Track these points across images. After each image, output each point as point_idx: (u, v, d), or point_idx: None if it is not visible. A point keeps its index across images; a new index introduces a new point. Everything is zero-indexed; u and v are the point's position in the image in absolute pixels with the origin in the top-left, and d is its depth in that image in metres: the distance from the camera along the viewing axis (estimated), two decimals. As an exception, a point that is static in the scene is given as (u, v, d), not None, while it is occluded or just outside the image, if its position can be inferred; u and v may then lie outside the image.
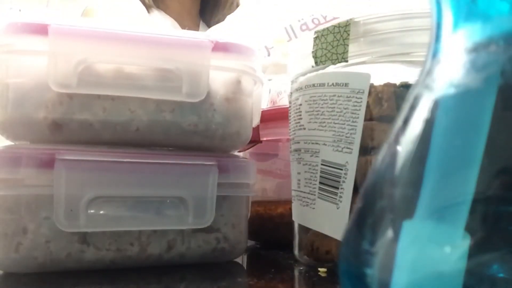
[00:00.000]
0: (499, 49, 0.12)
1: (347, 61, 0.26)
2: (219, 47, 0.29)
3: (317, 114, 0.28)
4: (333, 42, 0.27)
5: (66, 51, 0.27)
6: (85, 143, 0.28)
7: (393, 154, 0.14)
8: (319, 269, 0.27)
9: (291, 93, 0.31)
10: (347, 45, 0.26)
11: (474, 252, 0.11)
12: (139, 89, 0.28)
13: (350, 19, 0.26)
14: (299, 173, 0.29)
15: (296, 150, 0.30)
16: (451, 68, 0.14)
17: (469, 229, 0.11)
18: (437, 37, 0.15)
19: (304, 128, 0.29)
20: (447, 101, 0.13)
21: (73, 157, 0.27)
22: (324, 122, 0.27)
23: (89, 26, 0.27)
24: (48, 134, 0.27)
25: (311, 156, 0.28)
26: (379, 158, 0.15)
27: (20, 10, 1.85)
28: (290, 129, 0.31)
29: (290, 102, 0.31)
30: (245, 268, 0.32)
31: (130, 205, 0.28)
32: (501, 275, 0.11)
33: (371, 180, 0.15)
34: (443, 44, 0.14)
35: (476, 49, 0.13)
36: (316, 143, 0.27)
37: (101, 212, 0.27)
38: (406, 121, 0.14)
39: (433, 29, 0.15)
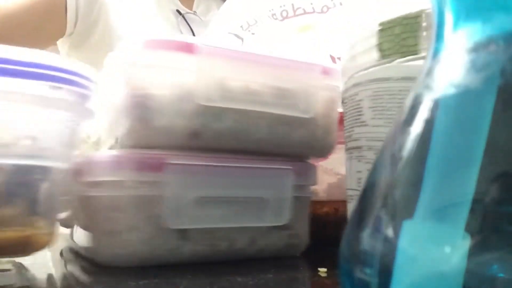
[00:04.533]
0: (499, 49, 0.12)
1: (418, 54, 0.25)
2: (325, 71, 0.33)
3: (382, 110, 0.26)
4: (402, 34, 0.26)
5: (211, 69, 0.30)
6: (214, 150, 0.31)
7: (393, 154, 0.14)
8: (319, 269, 0.27)
9: (346, 89, 0.30)
10: (419, 37, 0.25)
11: (474, 252, 0.11)
12: (263, 105, 0.32)
13: (421, 10, 0.25)
14: (359, 172, 0.28)
15: (355, 148, 0.28)
16: (451, 68, 0.14)
17: (469, 229, 0.11)
18: (438, 37, 0.15)
19: (367, 125, 0.27)
20: (447, 101, 0.13)
21: (180, 162, 0.29)
22: (391, 119, 0.26)
23: (227, 47, 0.31)
24: (186, 142, 0.30)
25: (376, 154, 0.27)
26: (379, 158, 0.15)
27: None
28: (345, 126, 0.30)
29: (344, 99, 0.30)
30: (245, 268, 0.32)
31: (223, 204, 0.31)
32: (501, 275, 0.11)
33: (371, 179, 0.15)
34: (444, 44, 0.14)
35: (476, 49, 0.13)
36: (381, 140, 0.26)
37: (201, 210, 0.30)
38: (406, 121, 0.14)
39: (434, 29, 0.15)
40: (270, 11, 0.56)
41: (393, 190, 0.14)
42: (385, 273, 0.13)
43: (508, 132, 0.12)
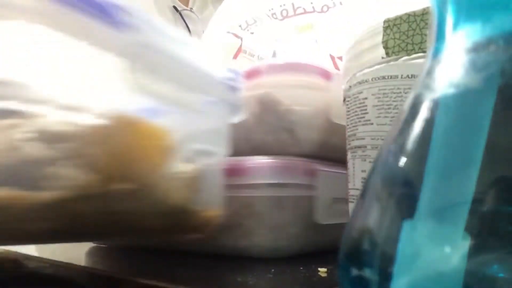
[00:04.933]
0: (499, 49, 0.12)
1: (425, 52, 0.25)
2: None
3: (388, 109, 0.26)
4: (407, 32, 0.25)
5: (340, 93, 0.35)
6: (329, 159, 0.37)
7: (393, 154, 0.14)
8: (319, 269, 0.27)
9: (350, 87, 0.30)
10: (425, 35, 0.25)
11: (474, 252, 0.11)
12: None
13: (427, 7, 0.25)
14: (363, 171, 0.28)
15: (359, 147, 0.29)
16: (451, 68, 0.14)
17: (469, 229, 0.11)
18: (438, 37, 0.15)
19: (372, 123, 0.27)
20: (447, 101, 0.13)
21: (326, 169, 0.36)
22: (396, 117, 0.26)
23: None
24: (315, 151, 0.36)
25: None
26: (379, 157, 0.15)
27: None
28: (348, 125, 0.30)
29: (347, 97, 0.30)
30: (245, 268, 0.32)
31: (338, 204, 0.36)
32: (501, 275, 0.11)
33: (371, 179, 0.15)
34: (444, 44, 0.14)
35: (476, 49, 0.13)
36: None
37: (333, 209, 0.36)
38: (406, 121, 0.14)
39: (434, 29, 0.15)
40: (270, 10, 0.56)
41: (393, 190, 0.14)
42: (385, 273, 0.13)
43: (508, 132, 0.12)
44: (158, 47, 0.24)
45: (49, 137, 0.20)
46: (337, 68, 0.50)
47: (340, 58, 0.48)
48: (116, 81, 0.23)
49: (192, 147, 0.27)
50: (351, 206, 0.30)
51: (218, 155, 0.31)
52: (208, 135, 0.29)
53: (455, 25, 0.14)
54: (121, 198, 0.23)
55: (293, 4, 0.55)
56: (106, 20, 0.22)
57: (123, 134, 0.23)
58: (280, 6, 0.55)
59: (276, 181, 0.33)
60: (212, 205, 0.30)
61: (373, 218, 0.14)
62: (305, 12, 0.54)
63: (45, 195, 0.20)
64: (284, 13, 0.55)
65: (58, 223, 0.21)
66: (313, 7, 0.54)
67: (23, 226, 0.20)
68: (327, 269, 0.27)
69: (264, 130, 0.35)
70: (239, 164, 0.33)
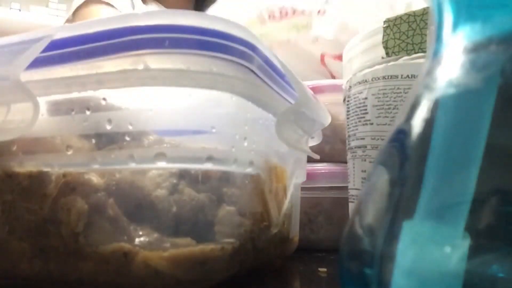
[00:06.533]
0: (499, 49, 0.12)
1: (425, 52, 0.25)
2: None
3: (388, 109, 0.26)
4: (407, 32, 0.26)
5: None
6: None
7: (393, 154, 0.14)
8: (319, 269, 0.27)
9: (350, 87, 0.30)
10: (425, 35, 0.25)
11: (474, 252, 0.11)
12: None
13: (427, 7, 0.25)
14: (363, 171, 0.28)
15: (359, 147, 0.29)
16: (451, 68, 0.14)
17: (469, 229, 0.11)
18: (438, 37, 0.15)
19: (372, 123, 0.27)
20: (447, 101, 0.13)
21: None
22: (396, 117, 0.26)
23: None
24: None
25: None
26: (379, 157, 0.15)
27: (19, 10, 1.85)
28: (348, 125, 0.30)
29: (348, 97, 0.30)
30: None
31: None
32: (501, 275, 0.11)
33: (371, 179, 0.15)
34: (443, 44, 0.14)
35: (476, 49, 0.13)
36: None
37: None
38: (406, 121, 0.14)
39: (434, 29, 0.15)
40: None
41: (393, 190, 0.14)
42: (385, 273, 0.13)
43: (508, 132, 0.12)
44: (307, 115, 0.27)
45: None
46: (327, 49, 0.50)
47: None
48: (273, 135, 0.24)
49: (293, 181, 0.29)
50: (351, 206, 0.30)
51: (300, 180, 0.32)
52: (296, 164, 0.30)
53: (455, 25, 0.14)
54: (266, 240, 0.25)
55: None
56: (280, 87, 0.24)
57: (270, 178, 0.25)
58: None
59: (337, 185, 0.38)
60: (296, 231, 0.32)
61: (373, 218, 0.14)
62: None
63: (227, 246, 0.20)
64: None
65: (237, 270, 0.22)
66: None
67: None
68: (327, 269, 0.27)
69: (322, 141, 0.38)
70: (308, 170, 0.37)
